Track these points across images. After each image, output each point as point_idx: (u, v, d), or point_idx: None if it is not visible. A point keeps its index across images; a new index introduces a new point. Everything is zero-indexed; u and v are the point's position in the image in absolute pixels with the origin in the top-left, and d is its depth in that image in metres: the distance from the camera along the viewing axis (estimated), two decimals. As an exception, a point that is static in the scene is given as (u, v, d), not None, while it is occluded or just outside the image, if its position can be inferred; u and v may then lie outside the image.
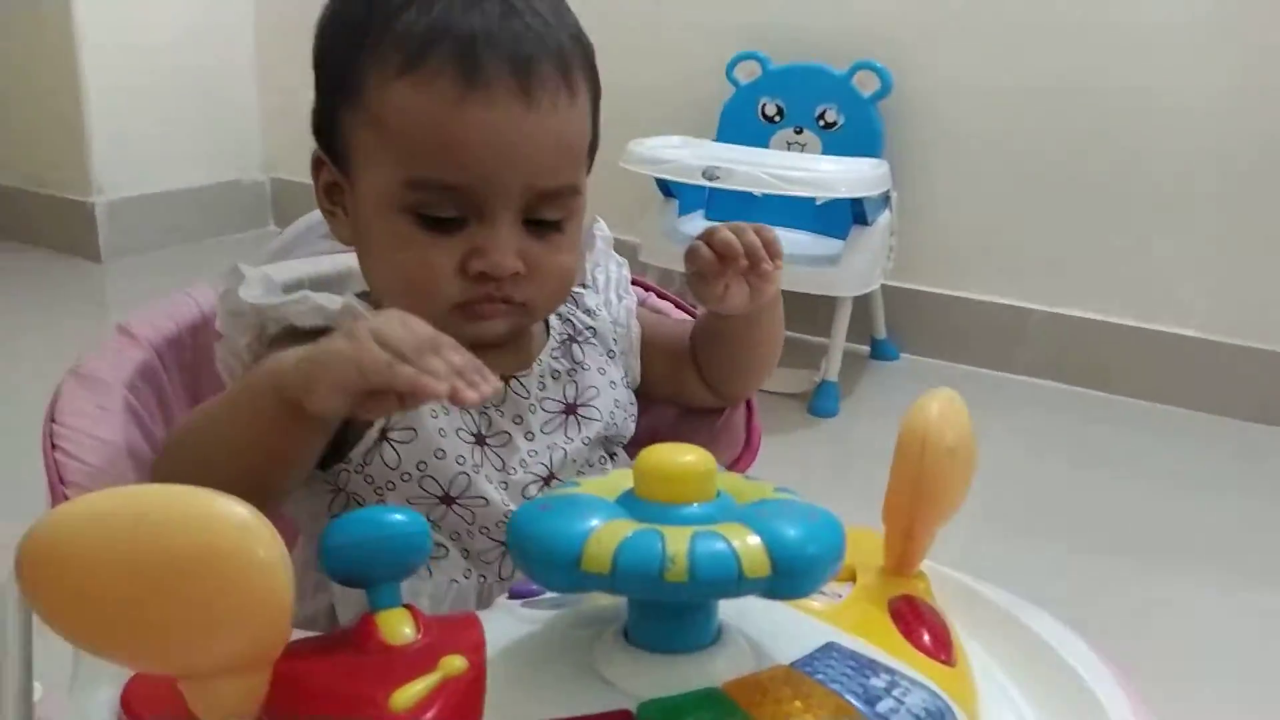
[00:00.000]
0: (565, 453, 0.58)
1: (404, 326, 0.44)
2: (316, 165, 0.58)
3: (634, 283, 0.71)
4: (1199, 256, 1.67)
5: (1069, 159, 1.71)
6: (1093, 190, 1.71)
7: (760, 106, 1.80)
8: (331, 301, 0.53)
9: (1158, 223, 1.68)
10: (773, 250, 0.59)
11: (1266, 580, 1.21)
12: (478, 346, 0.47)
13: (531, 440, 0.58)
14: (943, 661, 0.40)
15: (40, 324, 1.81)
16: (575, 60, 0.54)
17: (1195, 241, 1.66)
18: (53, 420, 0.53)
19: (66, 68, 2.05)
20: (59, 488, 0.49)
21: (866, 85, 1.74)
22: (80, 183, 2.13)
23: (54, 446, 0.51)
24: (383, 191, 0.53)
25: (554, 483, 0.57)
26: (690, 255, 0.59)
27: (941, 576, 0.48)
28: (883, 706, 0.34)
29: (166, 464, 0.50)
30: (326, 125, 0.56)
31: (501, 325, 0.56)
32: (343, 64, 0.54)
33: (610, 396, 0.61)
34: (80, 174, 2.12)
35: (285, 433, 0.47)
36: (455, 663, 0.37)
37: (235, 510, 0.32)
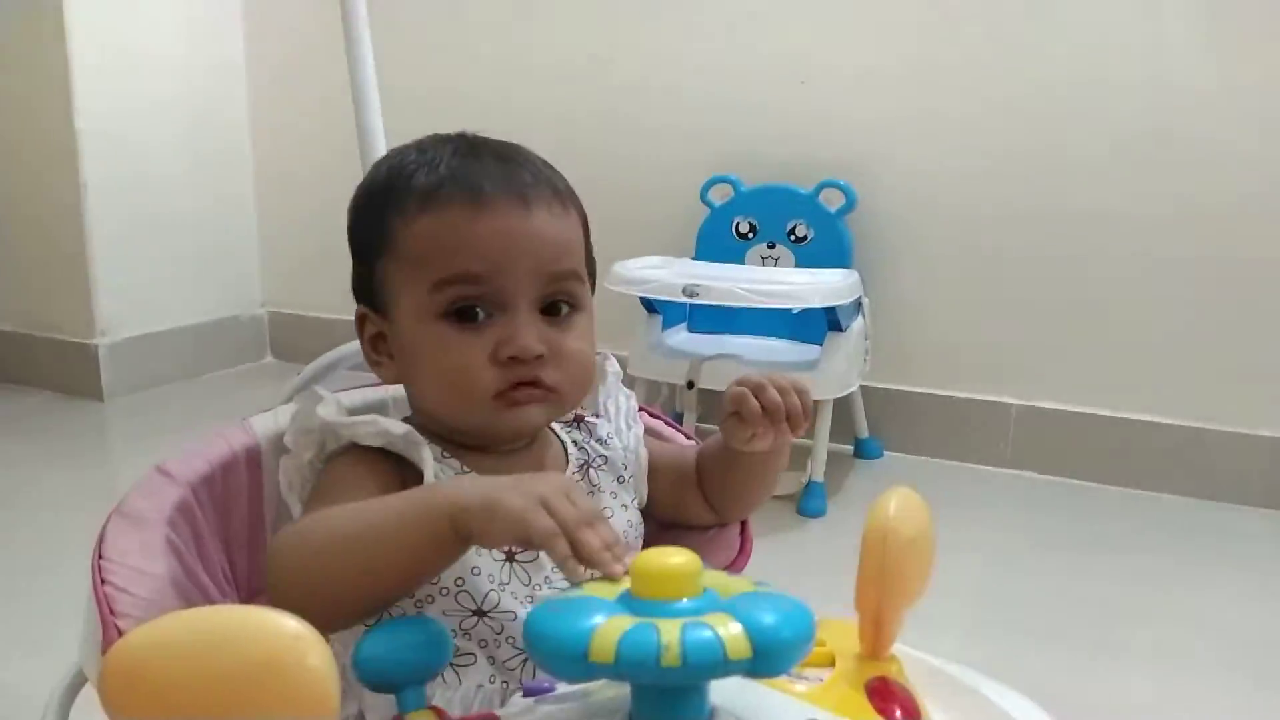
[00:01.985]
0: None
1: (568, 499, 0.49)
2: (360, 321, 0.66)
3: (641, 409, 0.78)
4: (1165, 346, 1.75)
5: (1032, 259, 1.81)
6: (1058, 287, 1.80)
7: (734, 225, 1.90)
8: (396, 427, 0.60)
9: (1129, 315, 1.76)
10: (808, 413, 0.65)
11: (1249, 666, 1.24)
12: (519, 450, 0.61)
13: None
14: (912, 732, 0.44)
15: (47, 463, 1.85)
16: (565, 193, 0.65)
17: (1159, 331, 1.75)
18: (100, 556, 0.57)
19: (71, 215, 2.15)
20: (110, 619, 0.54)
21: (833, 201, 1.84)
22: (84, 326, 2.20)
23: (103, 581, 0.56)
24: (418, 305, 0.61)
25: None
26: (736, 400, 0.64)
27: (912, 659, 0.53)
28: (857, 771, 0.39)
29: (315, 556, 0.53)
30: (366, 283, 0.65)
31: (538, 413, 0.63)
32: (374, 225, 0.64)
33: (623, 518, 0.67)
34: (84, 317, 2.19)
35: (444, 551, 0.52)
36: (479, 755, 0.42)
37: (290, 624, 0.38)
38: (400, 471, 0.61)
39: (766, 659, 0.38)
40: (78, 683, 0.71)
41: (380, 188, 0.64)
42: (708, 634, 0.38)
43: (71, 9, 2.05)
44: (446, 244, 0.60)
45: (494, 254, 0.60)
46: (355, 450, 0.61)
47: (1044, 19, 1.75)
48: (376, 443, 0.60)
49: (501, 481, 0.51)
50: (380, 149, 1.02)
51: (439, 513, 0.51)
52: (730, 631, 0.38)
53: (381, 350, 0.65)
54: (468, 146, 0.64)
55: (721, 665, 0.38)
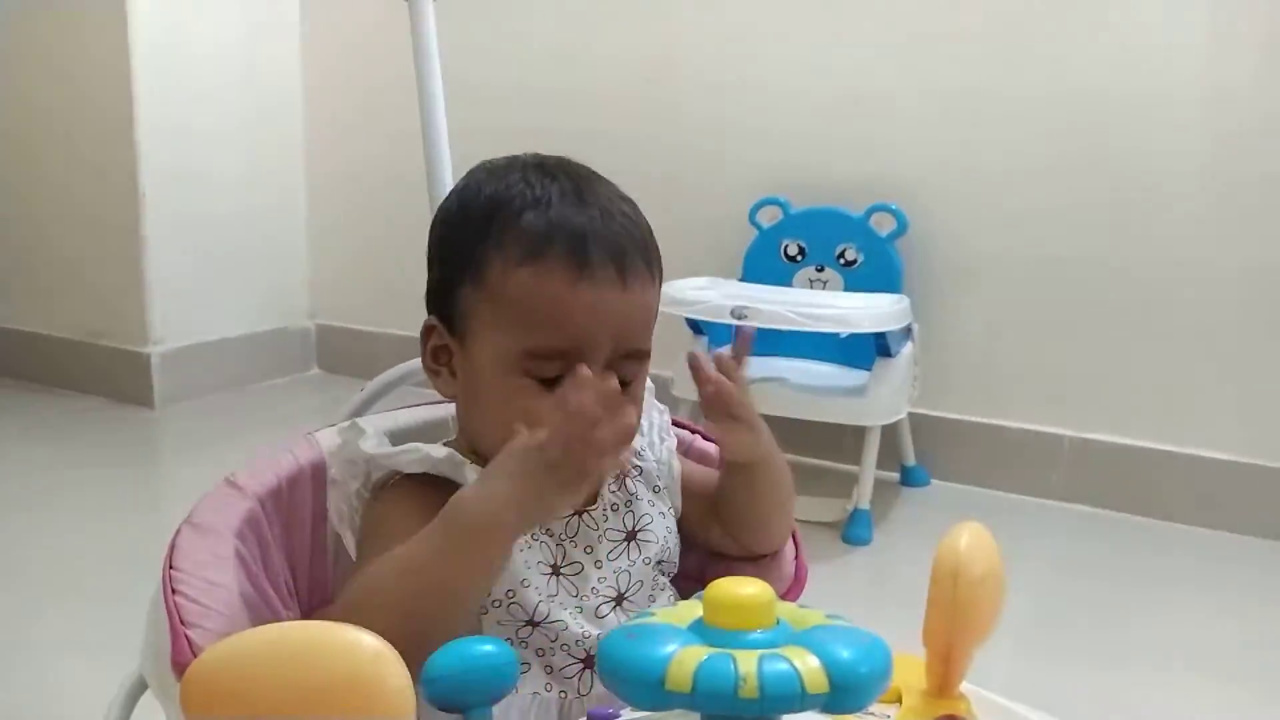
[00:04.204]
0: (630, 575, 0.65)
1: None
2: (427, 331, 0.67)
3: (682, 426, 0.78)
4: (1227, 379, 1.71)
5: (1088, 287, 1.78)
6: (1115, 316, 1.77)
7: (782, 247, 1.90)
8: (437, 451, 0.62)
9: (1184, 346, 1.73)
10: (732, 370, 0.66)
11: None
12: None
13: (600, 568, 0.65)
14: (985, 772, 0.44)
15: (98, 468, 1.89)
16: (652, 254, 0.66)
17: (1223, 364, 1.71)
18: (171, 567, 0.58)
19: (128, 226, 2.20)
20: (180, 628, 0.54)
21: (883, 225, 1.83)
22: (137, 334, 2.24)
23: (174, 591, 0.56)
24: (501, 356, 0.62)
25: (625, 602, 0.64)
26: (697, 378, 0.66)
27: (981, 698, 0.52)
28: (933, 811, 0.39)
29: (392, 609, 0.53)
30: (444, 298, 0.66)
31: None
32: (467, 250, 0.64)
33: (662, 524, 0.68)
34: (138, 326, 2.24)
35: (497, 564, 0.56)
36: (548, 779, 0.41)
37: (370, 642, 0.38)
38: (445, 495, 0.61)
39: (844, 694, 0.38)
40: (138, 689, 0.72)
41: (480, 212, 0.64)
42: (785, 667, 0.38)
43: (134, 21, 2.10)
44: (544, 310, 0.61)
45: (586, 327, 0.61)
46: (401, 481, 0.63)
47: (1103, 41, 1.73)
48: (418, 469, 0.62)
49: (499, 487, 0.55)
50: (446, 175, 1.03)
51: (485, 529, 0.54)
52: (808, 665, 0.38)
53: (442, 362, 0.66)
54: (575, 191, 0.64)
55: (799, 699, 0.37)
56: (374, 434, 0.65)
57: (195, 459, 1.93)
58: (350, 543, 0.65)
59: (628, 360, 0.64)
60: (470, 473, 0.61)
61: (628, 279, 0.62)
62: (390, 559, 0.56)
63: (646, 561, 0.66)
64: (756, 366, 1.81)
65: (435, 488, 0.62)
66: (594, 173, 0.67)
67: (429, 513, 0.59)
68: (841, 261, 1.86)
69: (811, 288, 1.86)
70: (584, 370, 0.57)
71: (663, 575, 0.68)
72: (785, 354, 1.86)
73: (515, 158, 0.67)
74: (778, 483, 0.70)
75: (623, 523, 0.67)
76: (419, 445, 0.63)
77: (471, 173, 0.68)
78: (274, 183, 2.45)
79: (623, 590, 0.64)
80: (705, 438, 0.80)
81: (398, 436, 0.69)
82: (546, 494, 0.55)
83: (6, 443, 2.00)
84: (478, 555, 0.55)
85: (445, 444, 0.65)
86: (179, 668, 0.53)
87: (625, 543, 0.66)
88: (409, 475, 0.62)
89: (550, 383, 0.62)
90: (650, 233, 0.67)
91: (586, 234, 0.62)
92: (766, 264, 1.90)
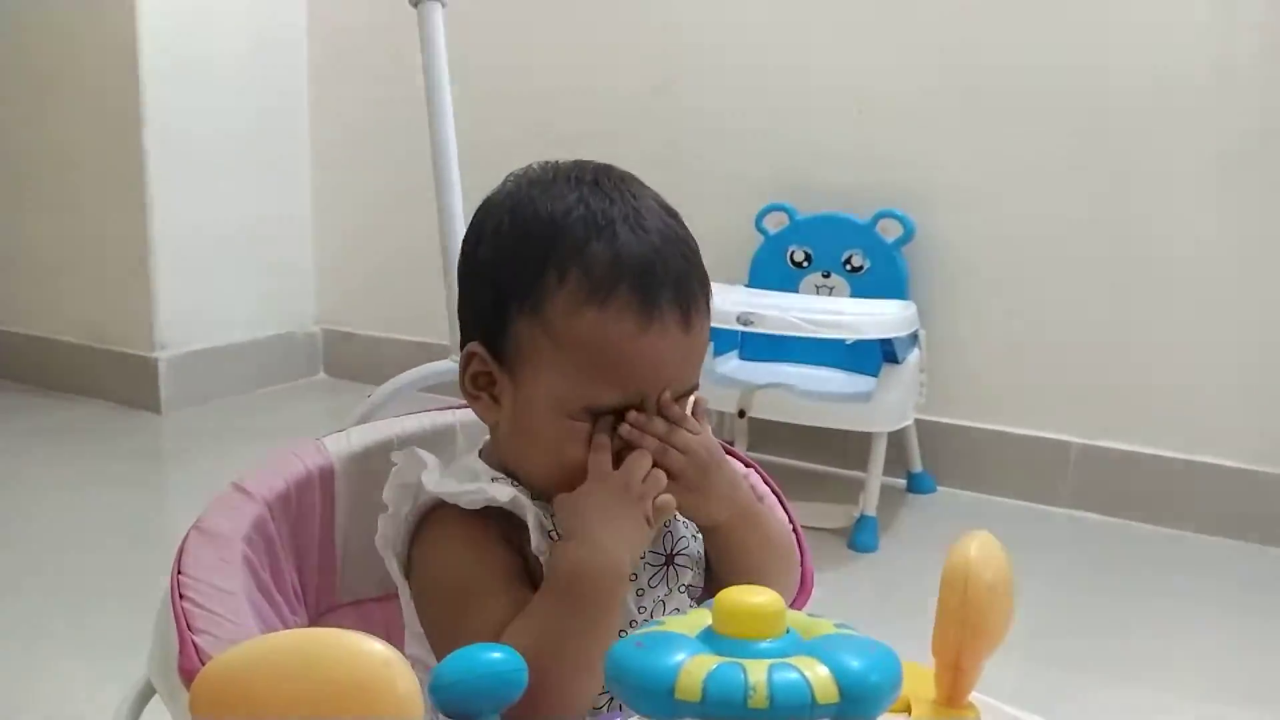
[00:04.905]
0: (665, 605, 0.64)
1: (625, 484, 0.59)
2: (469, 357, 0.64)
3: None
4: (1238, 385, 1.70)
5: (1096, 292, 1.78)
6: (1124, 321, 1.77)
7: (789, 253, 1.90)
8: (502, 494, 0.60)
9: (1194, 352, 1.72)
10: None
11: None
12: None
13: (641, 596, 0.63)
14: (996, 783, 0.43)
15: (104, 473, 1.89)
16: (705, 278, 0.64)
17: (1233, 370, 1.71)
18: (179, 572, 0.58)
19: (136, 232, 2.20)
20: (187, 635, 0.54)
21: (890, 232, 1.83)
22: (144, 339, 2.25)
23: (181, 596, 0.56)
24: (559, 400, 0.60)
25: None
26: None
27: (990, 707, 0.52)
28: (943, 822, 0.38)
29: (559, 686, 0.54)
30: (490, 322, 0.62)
31: None
32: (525, 276, 0.60)
33: (695, 547, 0.66)
34: (144, 331, 2.24)
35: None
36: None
37: (380, 649, 0.38)
38: (497, 522, 0.61)
39: (854, 704, 0.38)
40: (145, 695, 0.72)
41: (541, 231, 0.60)
42: (795, 676, 0.38)
43: (142, 25, 2.11)
44: (609, 359, 0.59)
45: (649, 380, 0.60)
46: (455, 512, 0.61)
47: (1108, 46, 1.73)
48: (479, 505, 0.60)
49: (607, 536, 0.58)
50: (454, 179, 1.03)
51: (613, 585, 0.57)
52: (818, 674, 0.38)
53: (482, 387, 0.63)
54: (634, 214, 0.61)
55: (809, 709, 0.37)
56: (435, 467, 0.63)
57: (202, 464, 1.94)
58: (394, 568, 0.63)
59: (680, 400, 0.62)
60: (533, 517, 0.60)
61: (691, 321, 0.61)
62: (525, 638, 0.53)
63: (683, 589, 0.64)
64: (763, 372, 1.82)
65: (490, 518, 0.61)
66: (636, 180, 0.64)
67: (491, 542, 0.60)
68: (848, 268, 1.86)
69: (818, 294, 1.86)
70: (634, 415, 0.60)
71: (695, 601, 0.66)
72: (791, 360, 1.86)
73: (556, 166, 0.64)
74: (758, 547, 0.65)
75: (662, 545, 0.65)
76: (484, 487, 0.60)
77: (518, 183, 0.64)
78: (280, 188, 2.46)
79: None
80: (728, 450, 0.79)
81: (404, 442, 0.69)
82: (643, 528, 0.58)
83: (12, 446, 2.01)
84: (614, 610, 0.57)
85: (478, 455, 0.65)
86: (187, 674, 0.53)
87: (664, 567, 0.64)
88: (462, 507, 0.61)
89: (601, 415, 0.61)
90: (698, 248, 0.64)
91: (654, 268, 0.59)
92: (773, 270, 1.89)
